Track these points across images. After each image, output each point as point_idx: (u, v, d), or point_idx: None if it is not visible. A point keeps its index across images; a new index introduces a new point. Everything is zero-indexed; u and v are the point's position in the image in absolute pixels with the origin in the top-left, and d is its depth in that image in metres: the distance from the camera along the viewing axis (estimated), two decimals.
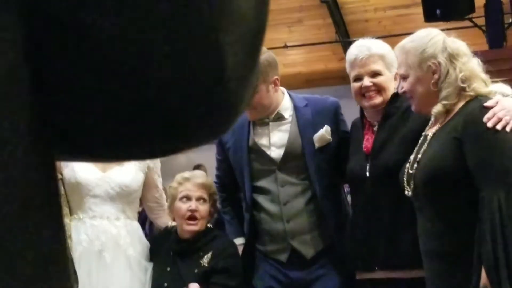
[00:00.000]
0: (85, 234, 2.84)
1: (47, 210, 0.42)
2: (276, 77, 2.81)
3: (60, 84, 0.42)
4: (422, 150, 2.35)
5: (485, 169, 2.12)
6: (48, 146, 0.43)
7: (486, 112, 2.15)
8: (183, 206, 2.92)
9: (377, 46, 2.69)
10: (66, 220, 2.78)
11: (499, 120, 2.12)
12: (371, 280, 2.62)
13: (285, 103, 2.88)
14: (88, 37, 0.40)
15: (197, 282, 2.78)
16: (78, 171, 2.89)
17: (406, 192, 2.35)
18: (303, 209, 2.80)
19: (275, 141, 2.85)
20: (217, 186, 3.04)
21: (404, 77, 2.39)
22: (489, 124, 2.11)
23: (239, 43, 0.45)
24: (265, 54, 2.73)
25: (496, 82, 2.40)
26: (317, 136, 2.81)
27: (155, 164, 3.09)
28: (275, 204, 2.82)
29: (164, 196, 3.18)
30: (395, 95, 2.64)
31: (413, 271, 2.45)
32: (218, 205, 3.07)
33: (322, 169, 2.81)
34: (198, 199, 2.94)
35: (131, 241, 2.91)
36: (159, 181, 3.13)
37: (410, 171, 2.34)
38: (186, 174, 3.08)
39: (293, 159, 2.82)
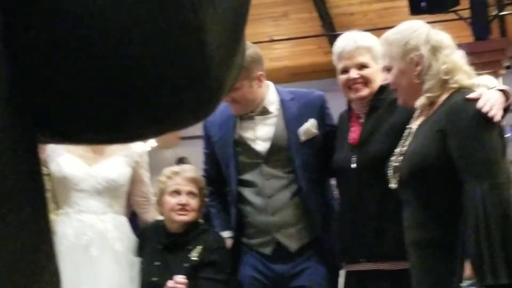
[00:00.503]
0: (71, 229, 2.81)
1: (29, 195, 0.41)
2: (260, 72, 2.80)
3: (39, 69, 0.41)
4: (407, 142, 2.36)
5: (469, 161, 2.13)
6: (30, 129, 0.42)
7: (469, 104, 2.16)
8: (173, 200, 2.90)
9: (364, 38, 2.70)
10: (52, 215, 2.74)
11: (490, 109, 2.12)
12: (357, 271, 2.63)
13: (270, 97, 2.88)
14: (68, 21, 0.40)
15: (186, 276, 2.77)
16: (64, 166, 2.85)
17: (392, 185, 2.36)
18: (288, 203, 2.81)
19: (261, 134, 2.85)
20: (205, 180, 3.03)
21: (388, 69, 2.41)
22: (484, 109, 2.10)
23: (220, 22, 0.44)
24: (250, 49, 2.71)
25: (481, 74, 2.41)
26: (302, 129, 2.81)
27: (143, 158, 3.07)
28: (260, 197, 2.82)
29: (152, 191, 3.16)
30: (382, 87, 2.66)
31: (399, 263, 2.46)
32: (206, 198, 3.06)
33: (307, 162, 2.81)
34: (188, 193, 2.92)
35: (118, 235, 2.88)
36: (146, 175, 3.09)
37: (395, 164, 2.35)
38: (175, 168, 3.06)
39: (278, 153, 2.83)
